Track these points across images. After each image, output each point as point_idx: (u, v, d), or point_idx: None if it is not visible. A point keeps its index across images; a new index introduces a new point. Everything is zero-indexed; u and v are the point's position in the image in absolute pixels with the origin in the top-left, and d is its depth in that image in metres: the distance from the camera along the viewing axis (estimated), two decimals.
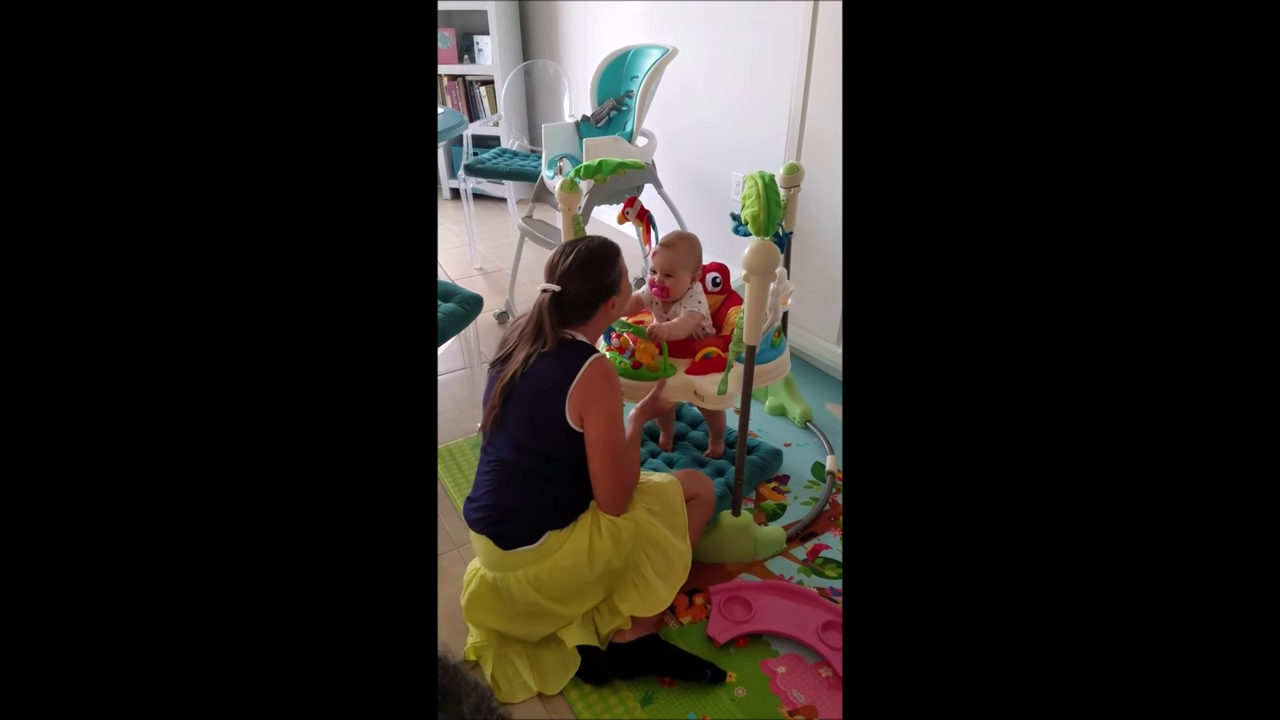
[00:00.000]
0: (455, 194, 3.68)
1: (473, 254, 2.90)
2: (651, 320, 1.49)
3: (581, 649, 1.19)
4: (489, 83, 3.45)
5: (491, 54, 3.34)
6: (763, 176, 1.20)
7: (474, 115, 3.55)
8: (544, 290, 1.18)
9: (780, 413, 1.92)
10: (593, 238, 1.23)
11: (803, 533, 1.51)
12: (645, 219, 1.52)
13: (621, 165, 1.45)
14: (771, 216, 1.17)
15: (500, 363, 1.21)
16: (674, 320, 1.44)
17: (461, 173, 2.66)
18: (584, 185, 2.02)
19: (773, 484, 1.66)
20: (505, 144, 3.20)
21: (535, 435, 1.15)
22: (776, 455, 1.70)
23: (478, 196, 3.63)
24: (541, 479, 1.16)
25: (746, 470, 1.63)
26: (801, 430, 1.86)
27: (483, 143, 3.51)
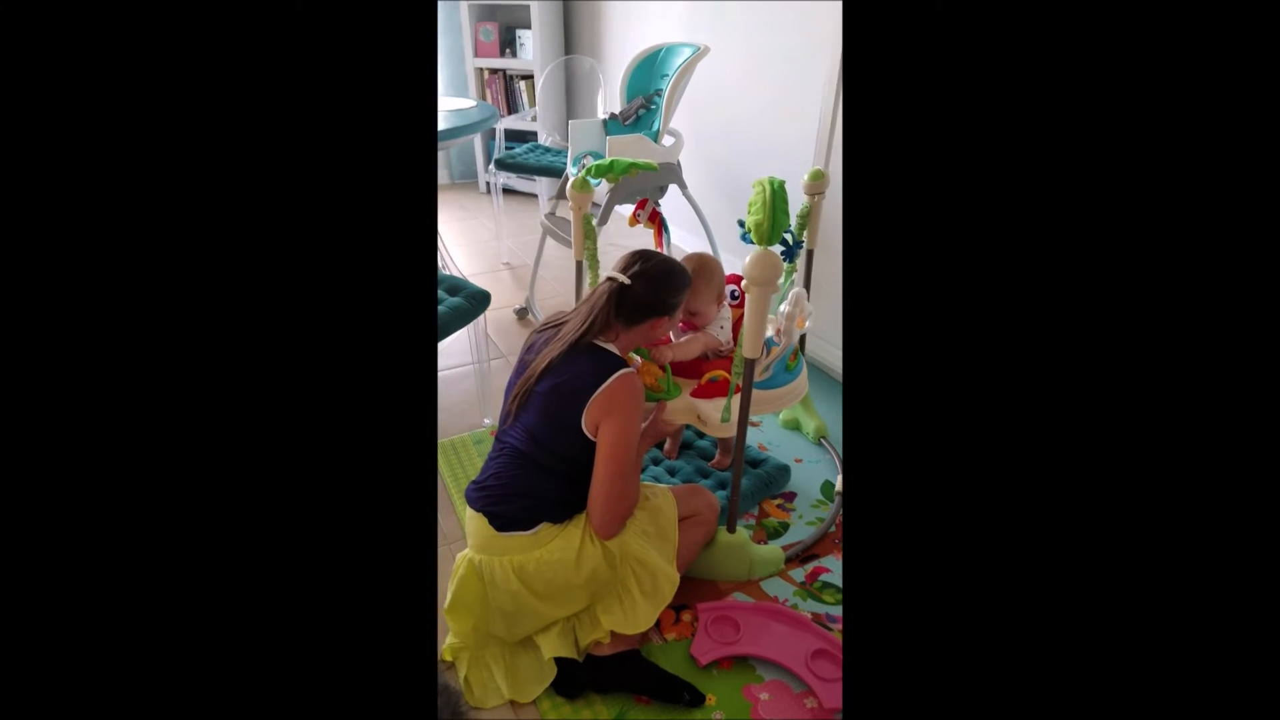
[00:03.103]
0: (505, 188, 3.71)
1: (500, 249, 2.90)
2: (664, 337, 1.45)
3: (558, 661, 1.17)
4: (529, 77, 3.46)
5: (533, 48, 3.34)
6: (772, 183, 1.15)
7: (513, 109, 3.57)
8: (610, 279, 1.18)
9: (794, 426, 1.86)
10: (676, 260, 1.26)
11: (803, 554, 1.45)
12: (657, 221, 1.48)
13: (633, 165, 1.41)
14: (777, 225, 1.12)
15: (550, 328, 1.22)
16: (679, 342, 1.40)
17: (491, 167, 2.66)
18: (602, 183, 1.99)
19: (778, 501, 1.60)
20: (541, 139, 3.20)
21: (550, 433, 1.14)
22: (784, 471, 1.64)
23: (511, 192, 3.64)
24: (549, 473, 1.15)
25: (750, 485, 1.58)
26: (815, 446, 1.79)
27: (521, 137, 3.52)
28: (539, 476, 1.16)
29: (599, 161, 1.42)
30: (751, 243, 1.22)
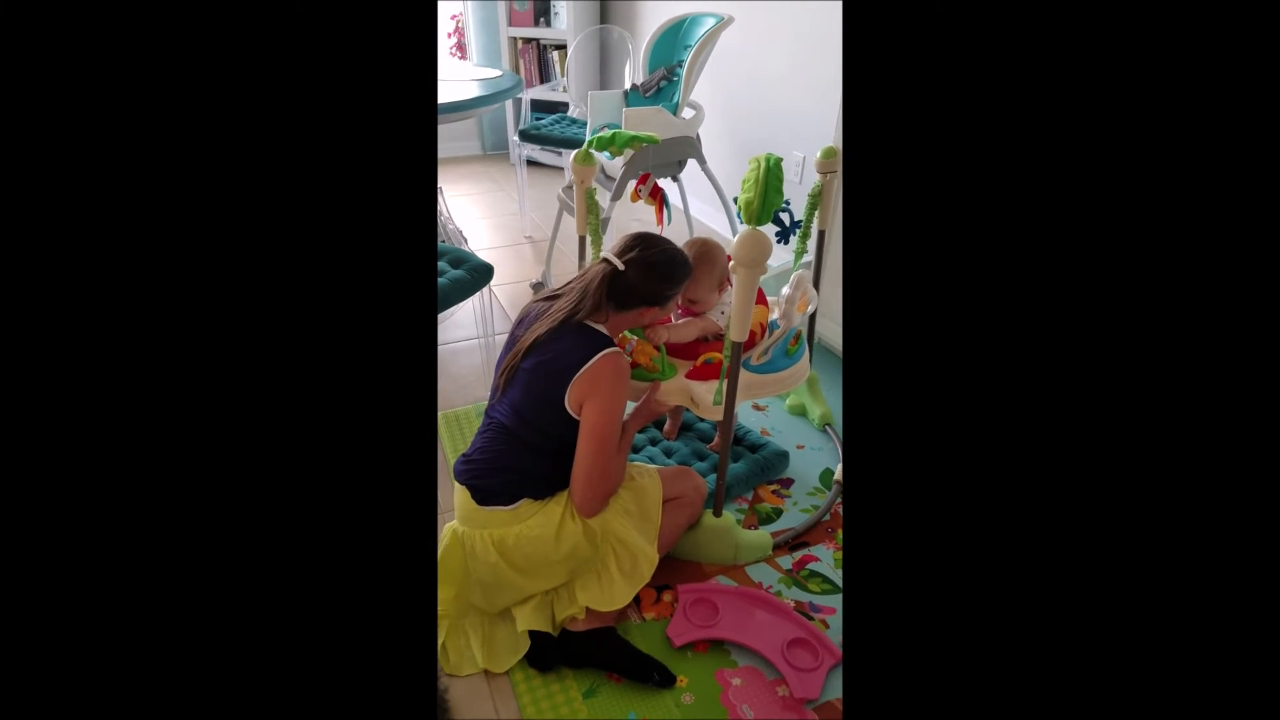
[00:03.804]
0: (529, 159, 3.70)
1: (523, 222, 2.90)
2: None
3: (532, 634, 1.18)
4: (562, 47, 3.42)
5: (566, 18, 3.29)
6: (768, 160, 1.11)
7: (546, 79, 3.54)
8: (605, 261, 1.17)
9: (800, 412, 1.82)
10: (679, 250, 1.22)
11: (793, 541, 1.43)
12: (658, 198, 1.45)
13: (634, 139, 1.38)
14: (768, 204, 1.08)
15: (544, 300, 1.22)
16: (676, 324, 1.38)
17: (515, 138, 2.65)
18: (608, 156, 1.95)
19: (774, 486, 1.58)
20: (572, 111, 3.17)
21: (534, 409, 1.15)
22: (783, 457, 1.61)
23: (538, 165, 3.63)
24: (533, 450, 1.16)
25: (746, 469, 1.56)
26: (819, 433, 1.75)
27: (553, 108, 3.49)
28: (522, 452, 1.16)
29: (599, 134, 1.39)
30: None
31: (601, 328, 1.17)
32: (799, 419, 1.81)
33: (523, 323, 1.23)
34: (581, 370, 1.11)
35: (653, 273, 1.17)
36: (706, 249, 1.35)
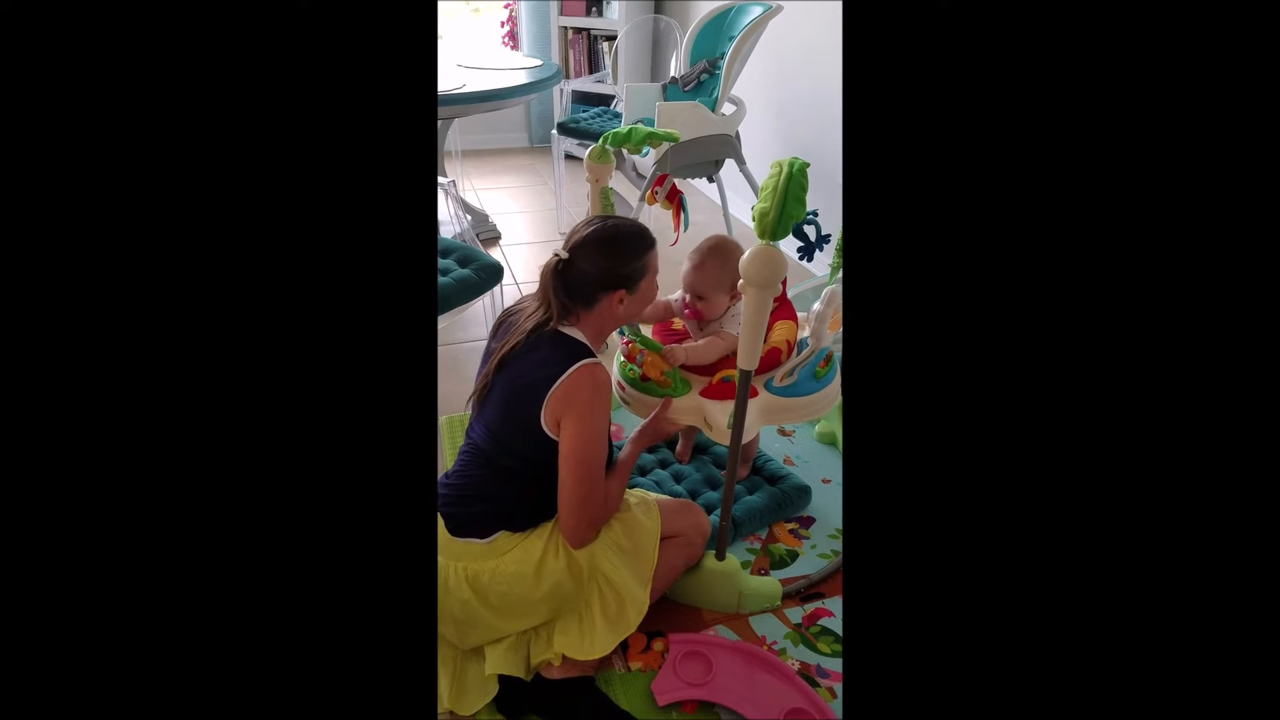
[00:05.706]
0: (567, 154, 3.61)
1: (560, 218, 2.81)
2: (683, 328, 1.30)
3: (502, 678, 1.07)
4: (613, 38, 3.31)
5: (619, 7, 3.18)
6: (792, 164, 0.96)
7: (595, 70, 3.43)
8: (555, 255, 1.05)
9: (831, 441, 1.66)
10: (631, 221, 1.09)
11: (806, 591, 1.28)
12: (675, 200, 1.32)
13: (651, 135, 1.25)
14: (786, 216, 0.93)
15: (513, 313, 1.11)
16: (697, 343, 1.24)
17: (554, 131, 2.55)
18: (650, 154, 1.83)
19: (792, 525, 1.43)
20: (618, 104, 3.05)
21: (510, 432, 1.04)
22: (804, 492, 1.46)
23: (578, 159, 3.52)
24: (512, 475, 1.05)
25: (762, 503, 1.41)
26: None
27: (601, 101, 3.38)
28: (500, 479, 1.05)
29: (616, 129, 1.27)
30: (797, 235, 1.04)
31: (577, 333, 1.04)
32: (829, 449, 1.65)
33: (498, 333, 1.12)
34: (555, 385, 0.99)
35: (601, 249, 1.02)
36: (723, 243, 1.23)
